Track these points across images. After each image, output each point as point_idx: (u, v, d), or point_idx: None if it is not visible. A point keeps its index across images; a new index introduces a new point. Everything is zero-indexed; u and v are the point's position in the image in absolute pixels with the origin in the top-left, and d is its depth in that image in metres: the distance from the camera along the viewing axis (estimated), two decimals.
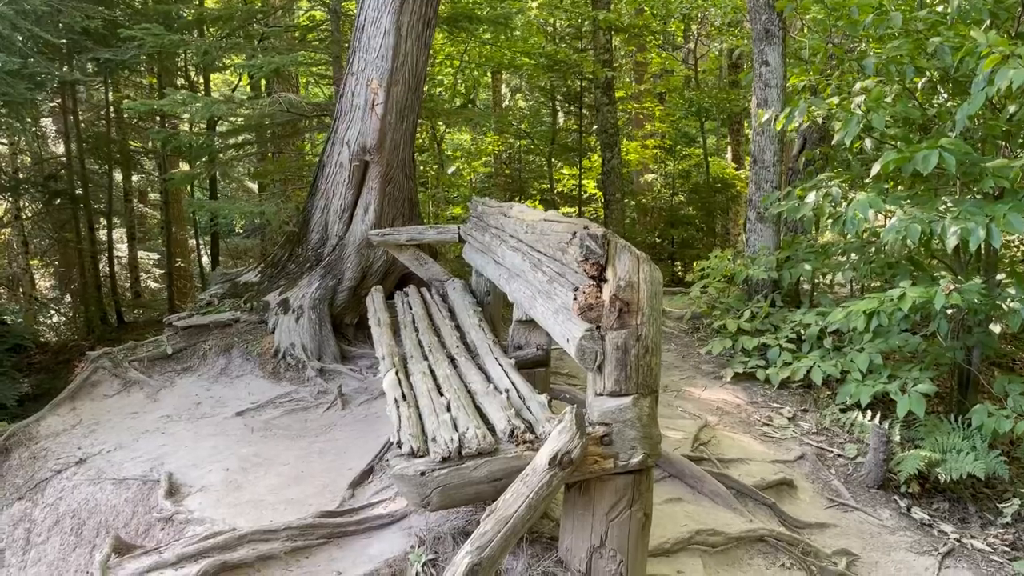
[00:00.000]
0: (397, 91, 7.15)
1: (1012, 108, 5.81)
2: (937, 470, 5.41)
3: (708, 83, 18.02)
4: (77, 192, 11.12)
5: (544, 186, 16.70)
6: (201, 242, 15.34)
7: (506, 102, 19.17)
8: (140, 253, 14.93)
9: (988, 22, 6.25)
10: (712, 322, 8.33)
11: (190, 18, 9.84)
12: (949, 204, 5.71)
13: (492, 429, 3.47)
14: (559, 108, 16.79)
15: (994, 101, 5.86)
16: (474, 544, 2.92)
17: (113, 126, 11.92)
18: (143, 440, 5.93)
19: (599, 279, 3.20)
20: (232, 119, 9.95)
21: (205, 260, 14.90)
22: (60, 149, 12.46)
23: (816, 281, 8.85)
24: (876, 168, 5.83)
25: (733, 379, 7.27)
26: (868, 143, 6.81)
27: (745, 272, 7.94)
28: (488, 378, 4.26)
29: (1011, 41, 6.14)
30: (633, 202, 16.70)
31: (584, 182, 16.38)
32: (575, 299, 3.22)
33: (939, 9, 6.74)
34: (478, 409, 3.76)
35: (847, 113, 6.20)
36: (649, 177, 17.65)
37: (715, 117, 16.98)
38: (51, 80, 8.98)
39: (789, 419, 6.53)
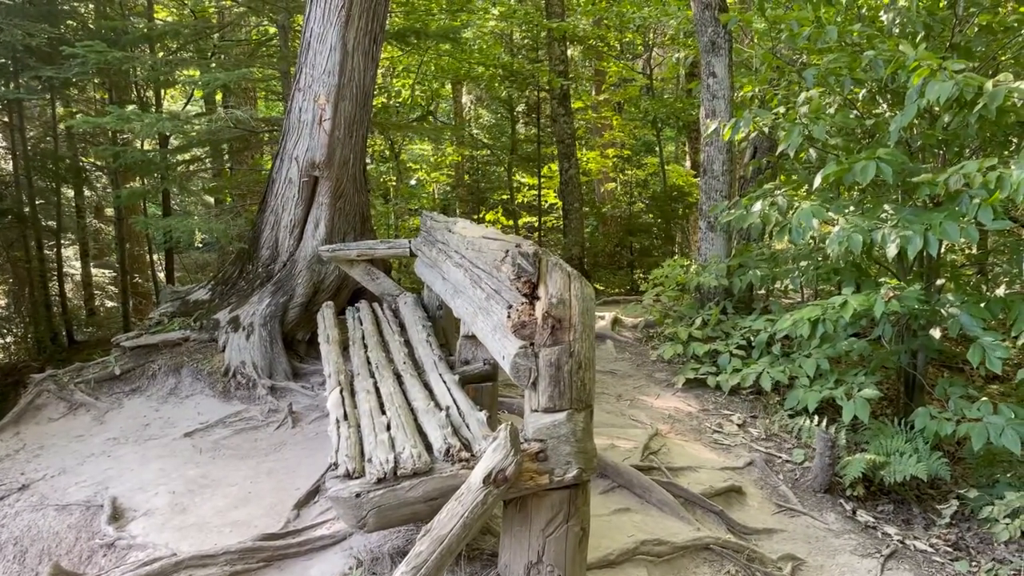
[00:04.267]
0: (345, 106, 7.13)
1: (947, 118, 5.97)
2: (882, 472, 5.50)
3: (665, 92, 18.20)
4: (25, 211, 10.87)
5: (505, 196, 16.75)
6: (157, 257, 15.07)
7: (467, 111, 19.19)
8: (95, 270, 14.61)
9: (923, 34, 6.41)
10: (664, 330, 8.41)
11: (138, 34, 9.69)
12: (890, 212, 5.84)
13: (429, 447, 3.46)
14: (518, 119, 16.84)
15: (934, 110, 6.01)
16: (409, 564, 2.91)
17: (63, 142, 11.69)
18: (88, 464, 5.81)
19: (532, 296, 3.21)
20: (182, 134, 9.83)
21: (162, 276, 14.64)
22: (9, 166, 12.18)
23: (770, 288, 8.96)
24: (818, 180, 5.95)
25: (685, 386, 7.33)
26: (812, 152, 6.94)
27: (696, 280, 8.03)
28: (432, 395, 4.25)
29: (946, 51, 6.32)
30: (593, 211, 16.79)
31: (544, 192, 16.44)
32: (509, 317, 3.23)
33: (882, 18, 6.91)
34: (418, 427, 3.75)
35: (790, 124, 6.32)
36: (610, 186, 17.77)
37: (672, 126, 17.15)
38: None
39: (739, 425, 6.60)
